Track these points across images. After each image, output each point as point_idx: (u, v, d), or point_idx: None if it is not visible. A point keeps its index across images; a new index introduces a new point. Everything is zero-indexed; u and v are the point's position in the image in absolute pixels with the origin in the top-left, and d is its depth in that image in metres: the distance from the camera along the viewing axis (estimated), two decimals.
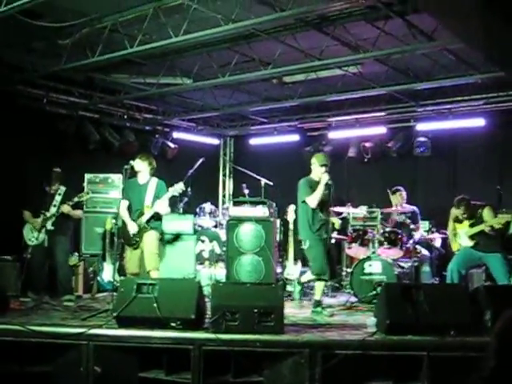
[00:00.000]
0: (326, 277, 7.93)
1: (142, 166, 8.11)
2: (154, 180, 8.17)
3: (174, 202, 10.08)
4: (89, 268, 10.20)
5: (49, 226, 8.79)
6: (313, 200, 7.85)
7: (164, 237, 9.49)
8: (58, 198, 8.93)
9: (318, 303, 7.94)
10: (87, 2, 7.75)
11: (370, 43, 8.77)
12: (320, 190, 7.82)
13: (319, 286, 8.00)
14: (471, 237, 8.32)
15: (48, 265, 8.99)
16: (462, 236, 8.46)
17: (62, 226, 8.96)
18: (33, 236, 8.88)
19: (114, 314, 6.23)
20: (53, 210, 8.84)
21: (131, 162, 7.80)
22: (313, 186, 7.91)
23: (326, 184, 7.84)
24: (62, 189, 9.03)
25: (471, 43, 6.56)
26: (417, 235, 9.95)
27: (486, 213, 8.27)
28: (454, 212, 8.68)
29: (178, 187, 8.05)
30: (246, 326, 5.95)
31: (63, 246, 9.05)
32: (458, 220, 8.60)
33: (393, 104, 12.24)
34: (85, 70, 10.05)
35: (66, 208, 8.79)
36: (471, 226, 8.34)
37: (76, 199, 8.79)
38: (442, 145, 12.26)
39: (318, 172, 7.94)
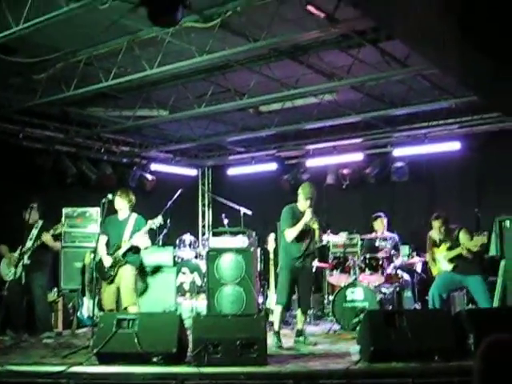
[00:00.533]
0: (280, 301, 7.84)
1: (121, 204, 8.07)
2: (134, 216, 8.13)
3: (153, 234, 10.01)
4: (68, 303, 10.06)
5: (25, 260, 8.68)
6: (290, 234, 7.83)
7: (144, 270, 9.42)
8: (34, 232, 8.86)
9: (299, 332, 7.89)
10: (61, 37, 7.73)
11: (344, 71, 8.85)
12: (300, 226, 7.78)
13: (276, 313, 7.93)
14: (450, 260, 8.32)
15: (26, 301, 8.86)
16: (440, 260, 8.47)
17: (39, 260, 8.88)
18: (9, 271, 8.79)
19: (95, 351, 6.14)
20: (29, 243, 8.76)
21: (109, 195, 7.75)
22: (296, 217, 7.87)
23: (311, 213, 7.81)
24: (40, 222, 8.96)
25: (445, 69, 6.63)
26: (397, 262, 9.95)
27: (462, 236, 8.29)
28: (432, 234, 8.68)
29: (157, 221, 8.03)
30: (228, 358, 5.90)
31: (40, 281, 8.94)
32: (435, 244, 8.60)
33: (369, 130, 12.32)
34: (60, 104, 10.02)
35: (46, 236, 8.68)
36: (449, 249, 8.34)
37: (52, 231, 8.72)
38: (419, 169, 12.32)
39: (303, 204, 7.90)
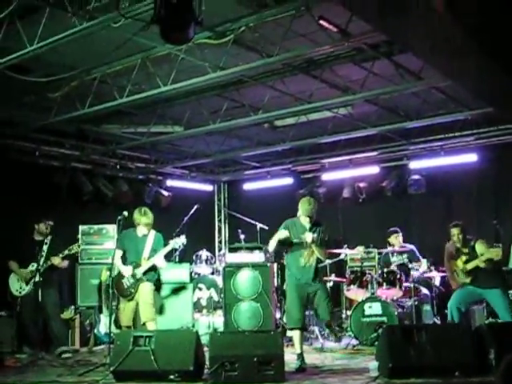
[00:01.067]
0: (298, 325, 7.35)
1: (148, 221, 8.06)
2: (153, 233, 8.14)
3: (169, 251, 10.00)
4: (85, 321, 10.08)
5: (37, 277, 8.73)
6: (270, 244, 7.64)
7: (161, 286, 9.41)
8: (45, 248, 8.93)
9: (298, 356, 7.31)
10: (75, 55, 7.76)
11: (358, 84, 8.82)
12: (275, 239, 7.52)
13: (294, 337, 7.45)
14: (467, 273, 8.21)
15: (41, 319, 8.90)
16: (459, 273, 8.36)
17: (49, 277, 8.96)
18: (19, 287, 8.84)
19: (111, 369, 6.12)
20: (41, 260, 8.81)
21: (125, 212, 7.76)
22: (291, 229, 7.57)
23: (310, 230, 7.45)
24: (49, 238, 9.03)
25: (459, 81, 6.60)
26: (421, 269, 9.87)
27: (478, 247, 8.17)
28: (448, 247, 8.58)
29: (180, 241, 8.07)
30: (246, 375, 5.86)
31: (52, 298, 9.02)
32: (452, 256, 8.49)
33: (385, 143, 12.26)
34: (75, 121, 10.07)
35: (56, 260, 8.79)
36: (465, 262, 8.24)
37: (66, 252, 8.80)
38: (436, 182, 12.25)
39: (303, 220, 7.54)
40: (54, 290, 9.10)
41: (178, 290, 9.96)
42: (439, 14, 4.09)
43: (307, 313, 9.03)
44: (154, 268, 8.06)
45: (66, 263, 9.28)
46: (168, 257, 9.33)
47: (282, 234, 7.53)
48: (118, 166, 12.85)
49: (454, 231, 8.36)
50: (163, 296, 9.75)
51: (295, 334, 7.39)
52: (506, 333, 6.12)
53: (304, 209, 7.49)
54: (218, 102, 9.85)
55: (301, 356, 7.24)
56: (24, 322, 8.78)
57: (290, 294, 7.57)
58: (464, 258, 8.26)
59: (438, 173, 12.15)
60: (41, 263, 8.80)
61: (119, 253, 8.07)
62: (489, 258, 7.97)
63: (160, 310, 9.46)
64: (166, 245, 8.22)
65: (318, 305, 7.43)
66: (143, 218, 8.00)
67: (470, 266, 8.15)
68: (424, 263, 10.15)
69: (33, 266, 8.84)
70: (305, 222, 7.51)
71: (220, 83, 8.96)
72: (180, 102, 9.86)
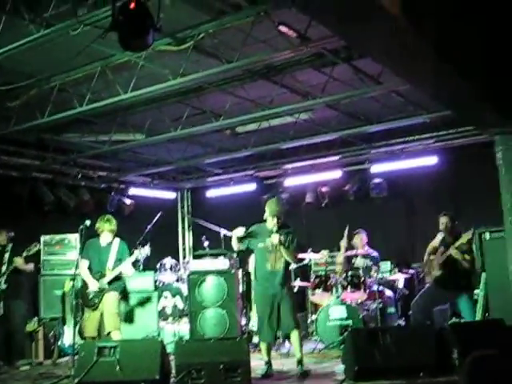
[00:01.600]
0: (268, 340, 7.32)
1: (111, 229, 8.00)
2: (117, 241, 8.09)
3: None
4: (49, 332, 9.91)
5: (2, 284, 8.58)
6: (232, 243, 7.60)
7: (127, 295, 9.34)
8: (6, 256, 8.79)
9: (265, 363, 7.26)
10: (34, 63, 7.68)
11: (318, 89, 8.88)
12: (234, 238, 7.52)
13: (262, 347, 7.40)
14: (441, 265, 8.20)
15: (5, 330, 8.75)
16: (434, 266, 8.36)
17: (17, 287, 8.82)
18: None
19: (76, 381, 6.04)
20: (3, 268, 8.67)
21: (87, 221, 7.69)
22: (256, 234, 7.53)
23: (277, 232, 7.36)
24: (9, 246, 8.89)
25: (417, 85, 6.67)
26: (377, 276, 9.93)
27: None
28: (433, 242, 8.57)
29: (144, 251, 8.00)
30: (212, 382, 5.87)
31: (20, 310, 8.91)
32: (434, 252, 8.52)
33: (346, 147, 12.35)
34: (35, 130, 9.93)
35: (18, 261, 8.71)
36: (443, 253, 8.28)
37: (25, 253, 8.71)
38: (397, 185, 12.38)
39: (270, 222, 7.45)
40: (22, 301, 9.03)
41: (142, 298, 9.86)
42: (396, 19, 4.13)
43: None
44: (119, 277, 8.01)
45: (31, 266, 9.21)
46: (132, 265, 9.27)
47: (238, 231, 7.44)
48: (79, 176, 12.70)
49: (443, 220, 8.39)
50: (128, 305, 9.65)
51: (263, 345, 7.36)
52: (469, 333, 6.20)
53: (271, 209, 7.43)
54: (179, 108, 9.82)
55: (268, 363, 7.23)
56: None
57: (259, 306, 7.54)
58: (442, 249, 8.26)
59: (399, 176, 12.27)
60: (3, 269, 8.64)
61: (85, 263, 8.00)
62: (459, 244, 8.02)
63: (125, 319, 9.36)
64: (131, 254, 8.16)
65: (281, 317, 7.25)
66: (106, 225, 7.95)
67: (443, 257, 8.16)
68: (383, 272, 10.21)
69: None
70: (271, 224, 7.41)
71: (181, 90, 8.91)
72: (141, 109, 9.81)
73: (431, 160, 11.74)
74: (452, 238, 8.24)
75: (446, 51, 4.93)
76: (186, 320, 9.95)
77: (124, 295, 9.03)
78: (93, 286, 7.86)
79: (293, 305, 7.34)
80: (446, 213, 8.48)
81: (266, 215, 7.47)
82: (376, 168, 12.53)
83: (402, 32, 4.41)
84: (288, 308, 7.25)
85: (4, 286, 8.62)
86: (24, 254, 8.70)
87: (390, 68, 6.35)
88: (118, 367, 5.96)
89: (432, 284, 8.38)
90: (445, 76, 5.54)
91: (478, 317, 8.41)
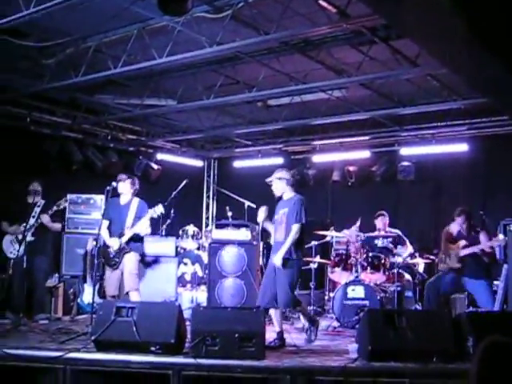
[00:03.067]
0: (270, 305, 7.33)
1: (124, 188, 8.09)
2: (136, 200, 8.16)
3: (156, 224, 10.01)
4: (69, 290, 10.07)
5: (29, 236, 8.73)
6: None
7: (145, 259, 9.43)
8: (37, 210, 8.93)
9: (277, 334, 7.32)
10: (71, 23, 7.69)
11: (354, 67, 8.80)
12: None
13: (272, 315, 7.49)
14: (460, 258, 8.24)
15: (27, 284, 8.90)
16: (452, 257, 8.38)
17: (42, 241, 8.97)
18: (14, 249, 8.81)
19: (93, 338, 6.13)
20: (32, 220, 8.81)
21: (113, 183, 7.75)
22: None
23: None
24: (42, 201, 9.03)
25: (454, 69, 6.58)
26: (406, 253, 9.92)
27: (482, 237, 8.23)
28: (449, 229, 8.59)
29: (158, 210, 8.03)
30: (226, 350, 5.88)
31: (43, 264, 9.05)
32: (451, 241, 8.52)
33: (377, 128, 12.27)
34: (68, 90, 9.98)
35: (45, 218, 8.80)
36: (463, 247, 8.28)
37: (55, 208, 8.81)
38: (425, 169, 12.30)
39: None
40: (47, 258, 9.17)
41: (162, 263, 9.96)
42: (440, 2, 4.06)
43: None
44: (139, 238, 8.10)
45: (58, 226, 9.33)
46: (154, 230, 9.35)
47: (260, 214, 7.57)
48: (109, 137, 12.80)
49: (459, 220, 8.40)
50: (147, 268, 9.75)
51: (271, 313, 7.42)
52: (485, 322, 6.17)
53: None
54: (213, 77, 9.80)
55: (280, 334, 7.28)
56: (13, 286, 8.76)
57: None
58: (464, 242, 8.30)
59: (427, 160, 12.19)
60: (32, 222, 8.77)
61: (105, 223, 8.08)
62: (487, 248, 8.03)
63: (143, 282, 9.45)
64: None
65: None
66: (120, 184, 8.04)
67: (467, 250, 8.18)
68: (409, 247, 10.22)
69: (25, 227, 8.81)
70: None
71: (216, 58, 8.90)
72: (174, 75, 9.79)
73: (462, 147, 11.63)
74: (469, 233, 8.26)
75: (488, 39, 4.84)
76: (204, 288, 10.06)
77: (144, 258, 9.12)
78: (113, 243, 7.95)
79: (287, 282, 7.19)
80: (462, 210, 8.44)
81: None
82: (405, 151, 12.45)
83: (445, 15, 4.34)
84: (282, 284, 7.21)
85: (31, 239, 8.75)
86: (54, 208, 8.81)
87: (427, 50, 6.27)
88: (134, 328, 6.03)
89: (450, 271, 8.38)
90: (485, 64, 5.45)
91: (496, 307, 8.38)
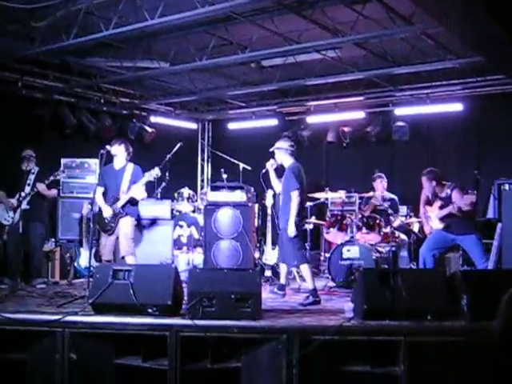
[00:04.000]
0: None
1: (118, 151, 8.06)
2: (131, 166, 8.14)
3: (151, 187, 10.01)
4: (65, 254, 10.11)
5: (24, 205, 8.73)
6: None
7: (141, 222, 9.44)
8: (31, 177, 8.90)
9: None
10: None
11: (348, 27, 8.72)
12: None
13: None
14: (441, 219, 8.29)
15: (23, 250, 8.92)
16: (432, 219, 8.43)
17: (39, 209, 8.95)
18: (8, 216, 8.80)
19: (90, 301, 6.17)
20: (27, 188, 8.79)
21: (107, 146, 7.71)
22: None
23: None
24: (36, 168, 9.00)
25: (449, 27, 6.54)
26: (395, 223, 9.96)
27: (454, 194, 8.24)
28: (424, 191, 8.64)
29: (154, 172, 8.01)
30: (223, 311, 5.92)
31: (39, 230, 9.07)
32: (428, 203, 8.56)
33: (371, 88, 12.22)
34: (60, 53, 9.87)
35: (41, 186, 8.76)
36: (441, 208, 8.31)
37: (52, 178, 8.77)
38: (420, 130, 12.30)
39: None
40: (42, 223, 9.16)
41: (158, 226, 9.98)
42: None
43: None
44: (135, 202, 8.10)
45: (54, 192, 9.35)
46: (150, 193, 9.34)
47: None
48: (101, 100, 12.74)
49: (423, 179, 8.43)
50: (143, 231, 9.77)
51: (301, 269, 7.94)
52: (480, 280, 6.21)
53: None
54: (206, 38, 9.69)
55: (313, 291, 7.66)
56: (9, 252, 8.78)
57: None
58: (439, 203, 8.33)
59: (422, 120, 12.18)
60: (27, 190, 8.76)
61: (100, 189, 8.07)
62: (462, 205, 8.04)
63: (139, 245, 9.48)
64: None
65: None
66: (114, 148, 8.02)
67: (444, 211, 8.22)
68: (400, 217, 10.25)
69: (19, 195, 8.79)
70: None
71: (208, 19, 8.78)
72: (167, 37, 9.67)
73: (457, 107, 11.62)
74: (442, 193, 8.28)
75: None
76: (200, 250, 10.11)
77: (139, 221, 9.13)
78: (106, 212, 7.96)
79: (287, 241, 7.78)
80: (425, 172, 8.44)
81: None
82: (400, 111, 12.43)
83: None
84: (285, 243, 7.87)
85: (26, 206, 8.74)
86: (51, 178, 8.78)
87: (422, 7, 6.23)
88: (131, 290, 6.05)
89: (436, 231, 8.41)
90: (480, 21, 5.42)
91: (491, 266, 8.45)
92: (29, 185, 8.83)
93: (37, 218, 8.98)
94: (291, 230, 7.57)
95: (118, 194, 7.99)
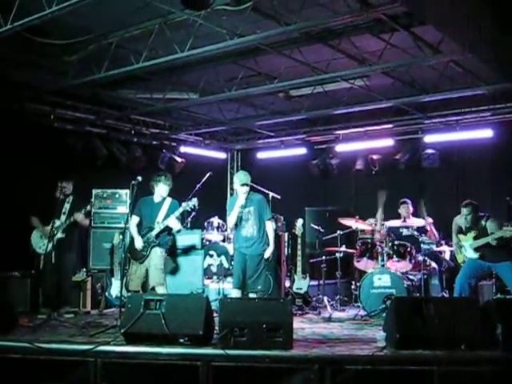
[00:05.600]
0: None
1: (164, 190, 8.26)
2: (169, 200, 8.30)
3: (182, 217, 10.06)
4: (96, 283, 10.19)
5: (59, 234, 8.84)
6: (229, 220, 8.37)
7: (175, 251, 9.51)
8: (67, 206, 9.02)
9: None
10: (93, 19, 7.75)
11: (375, 56, 8.77)
12: (235, 211, 8.21)
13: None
14: (476, 249, 8.20)
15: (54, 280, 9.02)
16: (467, 248, 8.35)
17: (71, 237, 9.09)
18: (43, 244, 8.90)
19: (122, 331, 6.20)
20: (62, 217, 8.91)
21: (139, 177, 7.80)
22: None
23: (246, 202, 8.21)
24: (71, 198, 9.11)
25: (477, 54, 6.55)
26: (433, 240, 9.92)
27: (489, 224, 8.16)
28: (457, 221, 8.58)
29: (191, 203, 8.15)
30: (254, 341, 5.92)
31: (72, 260, 9.25)
32: (461, 232, 8.49)
33: (400, 116, 12.20)
34: (91, 85, 10.05)
35: (79, 216, 8.89)
36: (475, 238, 8.22)
37: (88, 207, 8.91)
38: (450, 156, 12.21)
39: (239, 191, 8.26)
40: (74, 253, 9.26)
41: (188, 255, 10.02)
42: None
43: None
44: (168, 232, 8.20)
45: (87, 221, 9.44)
46: (180, 223, 9.40)
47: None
48: (132, 132, 12.89)
49: (464, 211, 8.35)
50: (175, 261, 9.82)
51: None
52: None
53: (240, 179, 8.26)
54: (234, 69, 9.81)
55: None
56: (45, 281, 8.87)
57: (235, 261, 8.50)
58: (474, 233, 8.25)
59: (452, 147, 12.11)
60: (63, 220, 8.89)
61: (135, 219, 8.21)
62: (500, 236, 7.95)
63: (171, 275, 9.52)
64: None
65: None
66: (162, 186, 8.23)
67: (480, 242, 8.13)
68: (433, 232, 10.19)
69: (55, 223, 8.90)
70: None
71: (237, 51, 8.90)
72: (196, 68, 9.81)
73: (487, 133, 11.53)
74: (477, 224, 8.19)
75: (507, 20, 4.82)
76: (230, 279, 10.08)
77: (171, 251, 9.19)
78: (138, 243, 8.05)
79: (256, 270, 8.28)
80: (466, 203, 8.36)
81: (236, 185, 8.34)
82: (429, 138, 12.37)
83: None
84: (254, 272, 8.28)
85: (62, 235, 8.85)
86: (87, 208, 8.95)
87: (449, 36, 6.24)
88: (163, 320, 6.08)
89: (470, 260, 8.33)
90: (506, 46, 5.43)
91: None
92: (64, 213, 8.95)
93: (69, 248, 9.08)
94: None
95: (153, 223, 8.08)
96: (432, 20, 6.16)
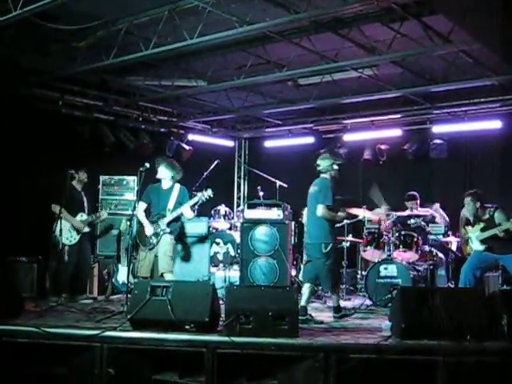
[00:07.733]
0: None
1: (166, 174, 8.21)
2: (177, 186, 8.31)
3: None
4: (103, 270, 10.23)
5: (86, 228, 9.24)
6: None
7: (183, 238, 9.54)
8: (84, 200, 9.38)
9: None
10: (102, 5, 7.75)
11: (385, 45, 8.72)
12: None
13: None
14: (482, 241, 8.18)
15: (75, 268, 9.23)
16: (473, 240, 8.33)
17: (92, 230, 9.59)
18: (71, 236, 9.03)
19: (128, 317, 6.23)
20: (104, 213, 9.54)
21: (146, 164, 7.82)
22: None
23: None
24: (82, 193, 9.41)
25: (487, 44, 6.51)
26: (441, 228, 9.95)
27: (498, 216, 8.13)
28: (464, 213, 8.57)
29: (206, 193, 8.18)
30: (260, 329, 5.93)
31: (90, 251, 9.62)
32: (468, 223, 8.47)
33: (408, 106, 12.15)
34: (100, 72, 10.06)
35: (104, 214, 9.54)
36: (482, 230, 8.20)
37: (113, 207, 9.30)
38: (458, 147, 12.18)
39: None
40: (90, 243, 9.61)
41: (195, 243, 10.03)
42: None
43: None
44: (178, 219, 8.25)
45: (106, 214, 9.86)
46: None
47: None
48: (140, 119, 12.89)
49: (466, 201, 8.33)
50: (182, 249, 9.83)
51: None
52: None
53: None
54: (243, 57, 9.79)
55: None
56: (66, 271, 8.99)
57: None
58: (482, 224, 8.23)
59: (460, 138, 12.07)
60: (104, 215, 9.51)
61: (143, 205, 8.24)
62: (507, 228, 7.93)
63: (177, 262, 9.54)
64: (190, 197, 8.33)
65: None
66: (161, 169, 8.23)
67: (487, 234, 8.12)
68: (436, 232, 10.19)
69: (82, 217, 9.16)
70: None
71: (246, 38, 8.86)
72: (205, 55, 9.79)
73: (495, 124, 11.48)
74: (484, 215, 8.16)
75: None
76: (236, 267, 10.12)
77: (181, 237, 9.23)
78: (148, 230, 8.08)
79: None
80: (469, 192, 8.34)
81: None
82: (437, 129, 12.34)
83: None
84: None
85: (87, 230, 9.36)
86: (112, 208, 9.53)
87: (460, 25, 6.20)
88: (169, 307, 6.10)
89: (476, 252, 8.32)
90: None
91: None
92: (98, 211, 9.56)
93: (89, 240, 9.47)
94: None
95: (164, 212, 8.11)
96: (442, 9, 6.12)
